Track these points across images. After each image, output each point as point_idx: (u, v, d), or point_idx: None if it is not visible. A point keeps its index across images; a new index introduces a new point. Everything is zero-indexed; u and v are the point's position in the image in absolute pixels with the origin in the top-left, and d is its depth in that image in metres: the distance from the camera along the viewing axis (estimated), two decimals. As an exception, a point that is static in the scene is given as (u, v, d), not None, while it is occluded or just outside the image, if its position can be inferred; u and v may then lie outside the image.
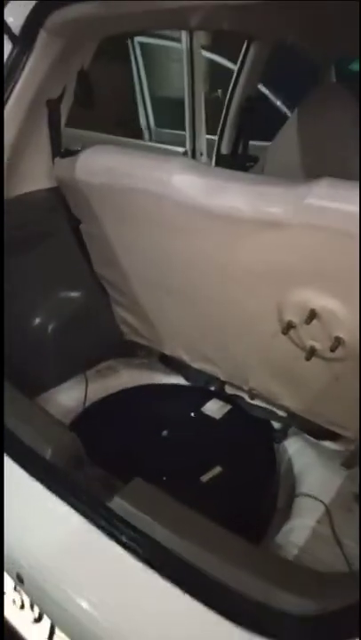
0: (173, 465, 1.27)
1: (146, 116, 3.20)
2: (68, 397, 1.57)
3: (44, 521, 0.91)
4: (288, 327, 1.11)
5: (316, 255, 0.99)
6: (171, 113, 3.18)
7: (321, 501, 1.17)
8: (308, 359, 1.11)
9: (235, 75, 2.16)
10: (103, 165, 1.29)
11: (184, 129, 2.96)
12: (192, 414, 1.47)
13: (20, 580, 0.88)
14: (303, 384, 1.27)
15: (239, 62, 2.14)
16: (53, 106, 1.36)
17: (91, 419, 1.45)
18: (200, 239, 1.17)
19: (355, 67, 2.69)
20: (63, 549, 0.86)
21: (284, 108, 2.83)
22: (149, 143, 3.06)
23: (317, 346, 1.10)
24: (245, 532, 1.15)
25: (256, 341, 1.27)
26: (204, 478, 1.22)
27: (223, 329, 1.32)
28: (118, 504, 0.85)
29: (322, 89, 2.31)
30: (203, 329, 1.40)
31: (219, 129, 2.26)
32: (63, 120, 1.45)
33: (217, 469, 1.25)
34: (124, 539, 0.82)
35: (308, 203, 0.95)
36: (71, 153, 1.41)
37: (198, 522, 0.83)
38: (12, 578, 0.89)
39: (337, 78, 2.75)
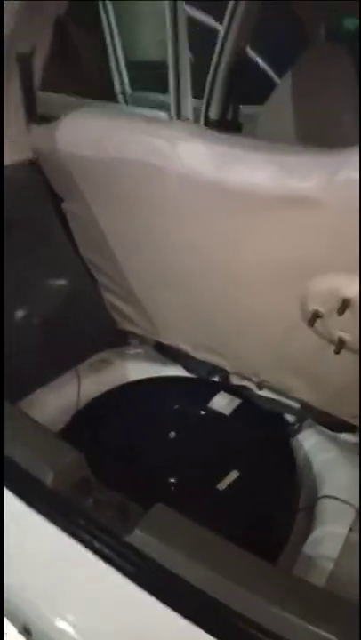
0: (186, 471, 1.15)
1: (120, 79, 2.95)
2: (60, 397, 1.42)
3: (49, 560, 0.77)
4: (314, 318, 0.98)
5: (350, 237, 0.85)
6: (147, 76, 2.94)
7: (350, 504, 1.07)
8: (337, 352, 0.98)
9: (223, 32, 1.95)
10: (89, 133, 1.10)
11: (162, 92, 2.74)
12: (200, 411, 1.34)
13: (27, 632, 0.75)
14: (325, 377, 1.15)
15: (227, 18, 1.93)
16: (26, 61, 1.16)
17: (86, 421, 1.31)
18: (209, 220, 1.01)
19: (347, 25, 2.50)
20: (76, 596, 0.73)
21: (272, 73, 2.63)
22: (127, 107, 2.82)
23: (347, 337, 0.98)
24: (268, 543, 1.06)
25: (272, 333, 1.13)
26: (222, 486, 1.11)
27: (232, 321, 1.19)
28: (140, 539, 0.73)
29: (316, 49, 2.13)
30: (208, 321, 1.26)
31: (206, 92, 2.06)
32: (37, 79, 1.25)
33: (234, 474, 1.13)
34: (147, 581, 0.70)
35: (343, 176, 0.80)
36: (49, 119, 1.22)
37: (235, 556, 0.72)
38: (18, 629, 0.77)
39: (328, 38, 2.56)
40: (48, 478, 0.81)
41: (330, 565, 0.96)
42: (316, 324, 1.00)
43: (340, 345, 0.98)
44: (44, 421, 1.35)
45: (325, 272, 0.92)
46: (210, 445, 1.23)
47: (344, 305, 0.91)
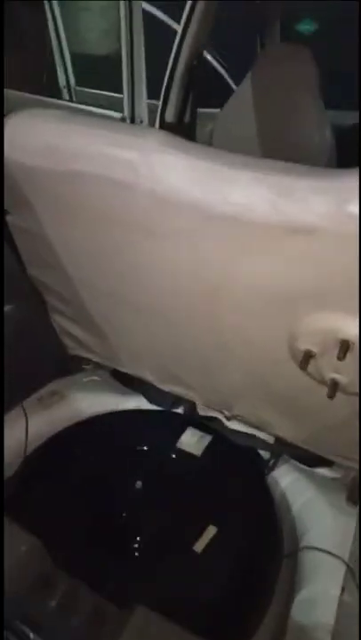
0: (156, 532, 1.00)
1: (65, 73, 2.73)
2: (5, 440, 1.22)
3: None
4: (307, 358, 0.87)
5: (353, 272, 0.75)
6: (95, 70, 2.75)
7: (341, 559, 0.98)
8: (331, 396, 0.88)
9: (180, 30, 1.82)
10: (41, 140, 0.93)
11: (112, 89, 2.56)
12: (168, 454, 1.19)
13: None
14: (309, 415, 1.06)
15: (185, 15, 1.79)
16: None
17: (36, 470, 1.13)
18: (187, 242, 0.88)
19: (302, 27, 2.46)
20: None
21: (227, 76, 2.52)
22: (73, 104, 2.60)
23: (342, 379, 0.88)
24: (252, 606, 0.95)
25: (254, 370, 1.02)
26: (199, 547, 0.97)
27: (210, 355, 1.06)
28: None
29: (277, 48, 2.06)
30: (181, 353, 1.12)
31: (162, 92, 1.91)
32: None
33: (211, 530, 1.00)
34: None
35: (349, 203, 0.70)
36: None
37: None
38: None
39: (283, 39, 2.50)
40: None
41: (327, 638, 0.85)
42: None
43: (333, 388, 0.88)
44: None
45: (322, 309, 0.81)
46: (182, 496, 1.09)
47: (344, 348, 0.80)
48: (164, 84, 1.90)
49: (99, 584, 0.71)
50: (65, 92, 2.76)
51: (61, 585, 0.66)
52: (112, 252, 1.03)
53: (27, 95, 2.15)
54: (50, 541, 0.72)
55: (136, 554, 0.94)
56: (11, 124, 0.94)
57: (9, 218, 1.16)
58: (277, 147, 1.79)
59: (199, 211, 0.79)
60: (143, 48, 2.02)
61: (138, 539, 0.97)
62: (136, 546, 0.95)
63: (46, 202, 1.02)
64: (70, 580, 0.68)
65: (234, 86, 2.53)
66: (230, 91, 1.92)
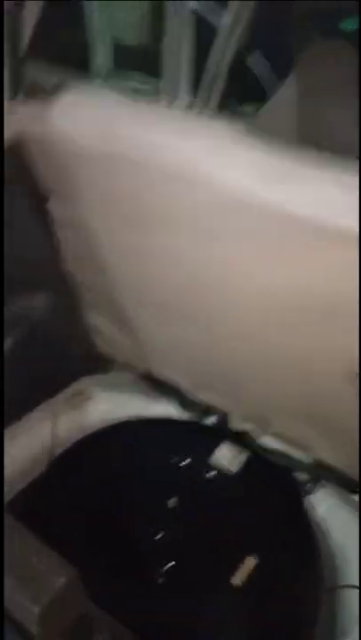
0: (191, 558, 0.92)
1: (103, 54, 2.63)
2: (30, 439, 1.15)
3: None
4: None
5: None
6: (133, 56, 2.64)
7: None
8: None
9: (225, 27, 1.71)
10: (97, 121, 0.85)
11: (150, 75, 2.46)
12: (203, 470, 1.11)
13: None
14: (353, 435, 0.97)
15: (231, 12, 1.69)
16: (13, 17, 0.89)
17: (62, 476, 1.06)
18: (248, 246, 0.79)
19: (347, 25, 2.33)
20: None
21: (270, 72, 2.39)
22: (110, 91, 2.51)
23: None
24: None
25: (302, 388, 0.94)
26: (237, 580, 0.89)
27: (254, 363, 0.97)
28: None
29: (320, 47, 1.95)
30: (224, 362, 1.04)
31: (204, 86, 1.81)
32: (24, 42, 0.98)
33: (251, 562, 0.92)
34: None
35: None
36: (40, 91, 0.95)
37: None
38: None
39: (325, 37, 2.38)
40: (29, 619, 0.55)
41: None
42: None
43: None
44: (10, 473, 1.08)
45: None
46: (218, 520, 1.00)
47: None
48: (207, 78, 1.80)
49: (138, 625, 0.64)
50: (99, 74, 2.67)
51: (100, 627, 0.59)
52: (158, 249, 0.95)
53: (61, 76, 2.06)
54: (82, 572, 0.64)
55: (170, 586, 0.86)
56: (67, 99, 0.86)
57: (50, 205, 1.08)
58: (319, 144, 1.70)
59: (265, 211, 0.71)
60: (189, 42, 1.91)
61: (173, 565, 0.89)
62: (170, 576, 0.87)
63: (93, 189, 0.94)
64: (108, 620, 0.61)
65: (269, 87, 2.41)
66: (263, 92, 1.81)
